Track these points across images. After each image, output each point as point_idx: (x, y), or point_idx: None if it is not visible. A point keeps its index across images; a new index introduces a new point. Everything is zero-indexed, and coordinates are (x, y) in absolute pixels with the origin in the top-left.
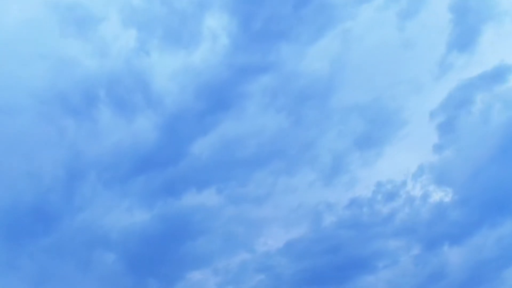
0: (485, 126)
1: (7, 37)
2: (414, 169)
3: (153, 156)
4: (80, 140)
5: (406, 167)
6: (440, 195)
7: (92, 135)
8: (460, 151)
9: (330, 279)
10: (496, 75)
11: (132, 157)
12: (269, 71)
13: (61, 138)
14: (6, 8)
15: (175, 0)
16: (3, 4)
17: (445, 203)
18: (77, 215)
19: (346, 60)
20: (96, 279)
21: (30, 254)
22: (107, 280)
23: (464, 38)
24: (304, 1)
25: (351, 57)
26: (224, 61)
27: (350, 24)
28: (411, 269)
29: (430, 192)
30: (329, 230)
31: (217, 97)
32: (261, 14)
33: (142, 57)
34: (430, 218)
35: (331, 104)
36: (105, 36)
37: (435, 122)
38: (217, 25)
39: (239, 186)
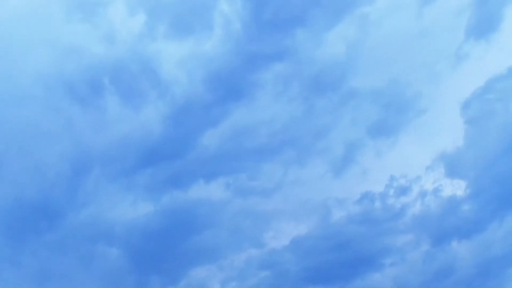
0: (503, 118)
1: (11, 23)
2: (428, 161)
3: (160, 148)
4: (86, 131)
5: (420, 159)
6: (453, 188)
7: (98, 125)
8: (477, 143)
9: (337, 277)
10: None
11: (139, 149)
12: (283, 58)
13: (66, 129)
14: None
15: None
16: None
17: (458, 197)
18: (81, 210)
19: (363, 46)
20: (100, 276)
21: (33, 251)
22: (110, 277)
23: (484, 24)
24: None
25: (368, 43)
26: (236, 48)
27: (367, 9)
28: (420, 266)
29: (443, 187)
30: (338, 225)
31: (227, 86)
32: None
33: (150, 44)
34: (442, 213)
35: (346, 91)
36: (112, 22)
37: (451, 112)
38: (229, 11)
39: (248, 178)
